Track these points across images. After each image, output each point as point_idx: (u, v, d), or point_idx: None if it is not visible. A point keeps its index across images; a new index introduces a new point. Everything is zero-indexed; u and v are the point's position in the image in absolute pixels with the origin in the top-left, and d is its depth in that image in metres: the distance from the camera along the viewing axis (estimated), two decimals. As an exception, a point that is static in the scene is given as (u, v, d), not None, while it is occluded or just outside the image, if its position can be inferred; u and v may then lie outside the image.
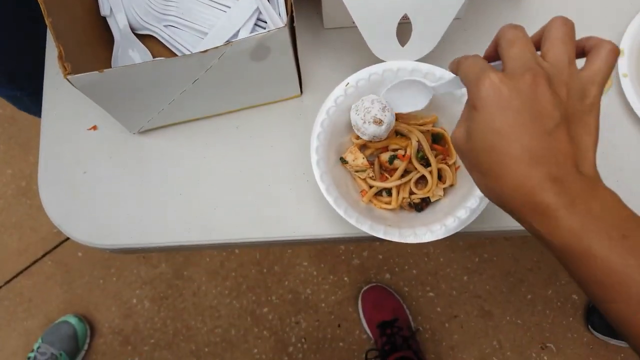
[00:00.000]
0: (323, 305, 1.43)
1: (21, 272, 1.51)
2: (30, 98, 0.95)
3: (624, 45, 0.59)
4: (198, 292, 1.46)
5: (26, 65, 0.77)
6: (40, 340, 1.37)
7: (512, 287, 1.42)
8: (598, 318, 1.34)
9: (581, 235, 0.31)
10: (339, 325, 1.42)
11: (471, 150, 0.35)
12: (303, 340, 1.42)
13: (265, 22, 0.60)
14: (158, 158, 0.61)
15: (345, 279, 1.45)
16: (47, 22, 0.47)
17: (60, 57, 0.46)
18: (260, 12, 0.60)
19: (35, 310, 1.48)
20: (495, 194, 0.34)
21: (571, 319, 1.39)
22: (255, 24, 0.61)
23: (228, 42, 0.46)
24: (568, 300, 1.40)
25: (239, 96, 0.58)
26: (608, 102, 0.60)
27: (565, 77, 0.34)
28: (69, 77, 0.46)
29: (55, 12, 0.50)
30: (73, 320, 1.40)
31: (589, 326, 1.35)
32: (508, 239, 1.45)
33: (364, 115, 0.53)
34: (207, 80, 0.52)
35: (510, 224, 0.58)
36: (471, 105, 0.34)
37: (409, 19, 0.52)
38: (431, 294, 1.43)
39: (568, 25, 0.35)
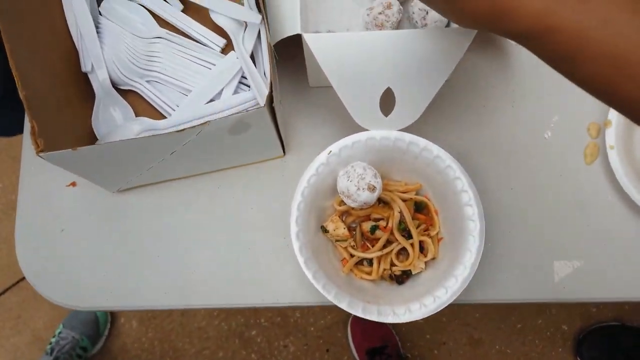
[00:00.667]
0: (312, 329, 1.43)
1: (9, 287, 1.50)
2: None
3: (611, 117, 0.58)
4: (186, 312, 1.45)
5: None
6: (61, 326, 1.36)
7: (503, 315, 1.41)
8: (587, 349, 1.34)
9: (544, 14, 0.32)
10: (327, 350, 1.41)
11: None
12: (291, 363, 1.41)
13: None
14: (137, 217, 0.60)
15: (335, 303, 1.44)
16: (21, 95, 0.46)
17: (33, 133, 0.45)
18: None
19: (23, 326, 1.47)
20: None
21: (560, 349, 1.38)
22: (240, 81, 0.60)
23: (205, 121, 0.45)
24: (558, 330, 1.40)
25: (220, 159, 0.57)
26: (594, 173, 0.59)
27: None
28: (41, 154, 0.45)
29: (32, 71, 0.49)
30: None
31: (578, 357, 1.35)
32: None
33: (358, 182, 0.52)
34: (186, 151, 0.51)
35: (491, 296, 0.57)
36: None
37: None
38: (420, 320, 1.42)
39: None
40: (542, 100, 0.61)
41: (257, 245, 0.59)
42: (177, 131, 0.45)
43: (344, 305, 0.51)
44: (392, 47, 0.48)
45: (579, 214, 0.58)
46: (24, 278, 1.48)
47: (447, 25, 0.57)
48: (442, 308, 0.50)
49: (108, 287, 0.58)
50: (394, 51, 0.48)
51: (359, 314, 0.51)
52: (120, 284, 0.58)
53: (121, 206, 0.60)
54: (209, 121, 0.45)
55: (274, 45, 0.53)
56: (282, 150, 0.59)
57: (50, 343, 1.36)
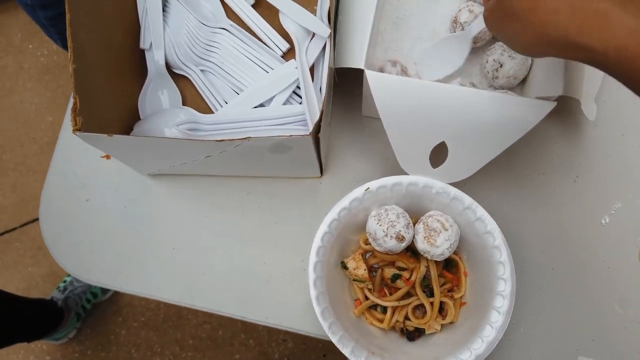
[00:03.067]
0: (314, 331, 1.41)
1: (38, 218, 1.54)
2: (41, 10, 0.90)
3: (682, 220, 0.52)
4: (197, 284, 1.46)
5: None
6: None
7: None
8: None
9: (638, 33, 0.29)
10: (324, 355, 1.40)
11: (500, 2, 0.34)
12: (286, 359, 1.40)
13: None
14: (162, 204, 0.59)
15: (343, 311, 1.42)
16: (70, 69, 0.45)
17: (74, 110, 0.44)
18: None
19: (42, 258, 1.51)
20: (541, 27, 0.31)
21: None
22: (294, 91, 0.58)
23: (246, 137, 0.42)
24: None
25: (255, 169, 0.55)
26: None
27: None
28: (77, 133, 0.44)
29: (89, 40, 0.48)
30: None
31: None
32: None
33: (387, 229, 0.49)
34: (221, 156, 0.49)
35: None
36: None
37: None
38: None
39: None
40: (608, 183, 0.56)
41: (273, 262, 0.57)
42: (216, 141, 0.43)
43: (346, 352, 0.49)
44: (457, 103, 0.45)
45: (618, 313, 0.54)
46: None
47: (523, 81, 0.53)
48: (446, 382, 0.47)
49: (119, 267, 0.58)
50: (458, 107, 0.45)
51: (360, 364, 0.49)
52: (131, 266, 0.58)
53: (148, 190, 0.59)
54: (249, 137, 0.43)
55: (335, 68, 0.50)
56: (319, 172, 0.57)
57: (65, 281, 1.40)
